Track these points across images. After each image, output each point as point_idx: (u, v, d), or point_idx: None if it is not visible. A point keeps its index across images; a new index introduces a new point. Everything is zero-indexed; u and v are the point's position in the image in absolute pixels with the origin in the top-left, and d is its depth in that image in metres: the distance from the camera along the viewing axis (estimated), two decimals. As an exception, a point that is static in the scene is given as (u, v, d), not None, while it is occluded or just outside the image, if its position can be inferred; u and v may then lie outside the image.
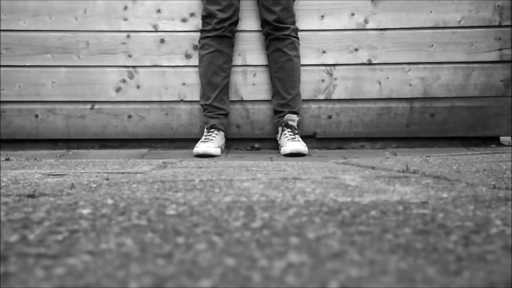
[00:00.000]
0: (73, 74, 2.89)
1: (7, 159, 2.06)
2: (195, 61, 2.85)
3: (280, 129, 2.78)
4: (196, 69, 2.84)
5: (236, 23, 2.76)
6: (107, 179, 1.25)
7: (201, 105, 2.79)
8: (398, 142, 2.95)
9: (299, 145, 2.64)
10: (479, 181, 1.12)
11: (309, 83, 2.90)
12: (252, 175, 1.31)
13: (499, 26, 2.90)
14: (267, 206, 0.80)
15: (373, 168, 1.57)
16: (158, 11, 2.88)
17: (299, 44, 2.81)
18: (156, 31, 2.88)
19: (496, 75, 2.91)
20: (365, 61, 2.90)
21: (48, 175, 1.38)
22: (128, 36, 2.88)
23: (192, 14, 2.86)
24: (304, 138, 2.82)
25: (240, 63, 2.87)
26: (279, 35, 2.75)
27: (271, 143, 2.90)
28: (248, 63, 2.89)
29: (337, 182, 1.12)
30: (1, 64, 2.87)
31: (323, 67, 2.91)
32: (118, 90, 2.89)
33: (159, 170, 1.53)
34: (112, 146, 2.94)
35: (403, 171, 1.39)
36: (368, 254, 0.49)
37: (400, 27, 2.90)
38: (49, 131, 2.91)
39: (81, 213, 0.71)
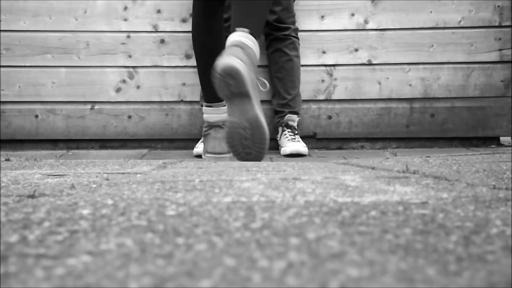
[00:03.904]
0: (73, 75, 2.89)
1: (7, 160, 2.06)
2: (195, 61, 2.84)
3: (280, 129, 2.78)
4: (196, 69, 2.84)
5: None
6: (107, 179, 1.25)
7: (202, 105, 2.79)
8: (398, 142, 2.95)
9: (299, 146, 2.64)
10: (479, 181, 1.12)
11: (309, 83, 2.90)
12: (252, 175, 1.31)
13: (499, 26, 2.90)
14: (267, 206, 0.80)
15: (373, 168, 1.57)
16: (158, 11, 2.88)
17: (299, 44, 2.81)
18: (156, 31, 2.88)
19: (496, 75, 2.91)
20: (365, 61, 2.90)
21: (48, 175, 1.38)
22: (128, 37, 2.88)
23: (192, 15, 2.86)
24: (304, 138, 2.82)
25: (240, 64, 2.87)
26: (280, 35, 2.75)
27: (271, 143, 2.89)
28: (248, 63, 2.89)
29: (337, 183, 1.12)
30: (1, 64, 2.87)
31: (323, 68, 2.91)
32: (118, 90, 2.89)
33: (159, 171, 1.53)
34: (112, 146, 2.94)
35: (403, 172, 1.39)
36: (368, 254, 0.49)
37: (400, 27, 2.90)
38: (49, 131, 2.91)
39: (81, 214, 0.71)
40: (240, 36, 1.98)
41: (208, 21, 2.41)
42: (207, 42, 2.44)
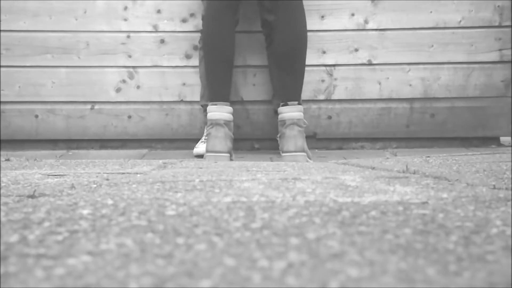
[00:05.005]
0: (73, 75, 2.89)
1: (7, 160, 2.06)
2: (195, 61, 2.85)
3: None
4: (196, 69, 2.84)
5: (236, 23, 2.75)
6: (107, 179, 1.26)
7: (202, 106, 2.79)
8: (398, 143, 2.95)
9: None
10: (479, 181, 1.12)
11: (309, 83, 2.90)
12: (252, 175, 1.31)
13: (499, 26, 2.90)
14: (267, 206, 0.80)
15: (373, 168, 1.57)
16: (158, 11, 2.88)
17: (299, 45, 2.81)
18: (156, 31, 2.88)
19: (496, 75, 2.91)
20: (365, 61, 2.90)
21: (48, 175, 1.38)
22: (128, 37, 2.88)
23: (192, 15, 2.86)
24: (304, 138, 2.82)
25: (240, 64, 2.87)
26: (279, 35, 2.75)
27: (271, 143, 2.90)
28: (248, 63, 2.89)
29: (337, 183, 1.12)
30: (1, 64, 2.87)
31: (323, 67, 2.91)
32: (118, 90, 2.89)
33: (159, 171, 1.53)
34: (112, 146, 2.94)
35: (403, 172, 1.39)
36: (368, 254, 0.49)
37: (400, 27, 2.90)
38: (49, 131, 2.91)
39: (81, 214, 0.71)
40: (293, 112, 2.48)
41: (221, 20, 2.50)
42: (218, 41, 2.49)
